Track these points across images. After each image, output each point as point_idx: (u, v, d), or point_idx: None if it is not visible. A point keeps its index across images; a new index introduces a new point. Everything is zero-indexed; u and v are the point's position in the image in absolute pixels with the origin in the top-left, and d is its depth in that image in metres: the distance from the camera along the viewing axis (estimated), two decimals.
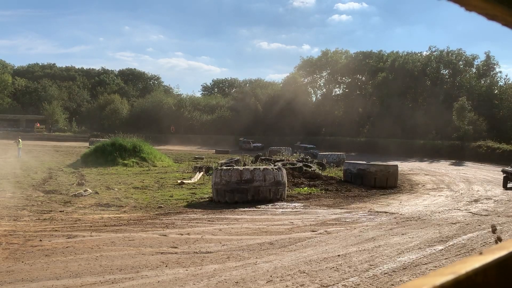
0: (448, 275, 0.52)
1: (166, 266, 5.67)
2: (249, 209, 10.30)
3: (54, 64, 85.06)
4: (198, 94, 79.07)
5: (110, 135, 30.80)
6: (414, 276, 5.39)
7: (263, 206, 10.74)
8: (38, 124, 65.67)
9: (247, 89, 65.10)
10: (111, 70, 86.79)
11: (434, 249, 6.74)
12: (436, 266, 5.86)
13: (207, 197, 12.04)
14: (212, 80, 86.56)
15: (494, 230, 3.42)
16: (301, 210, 10.45)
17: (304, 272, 5.44)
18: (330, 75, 60.65)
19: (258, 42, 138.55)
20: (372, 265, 5.79)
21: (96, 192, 12.69)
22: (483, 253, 0.60)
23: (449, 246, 7.00)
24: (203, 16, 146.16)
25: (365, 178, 15.40)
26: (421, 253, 6.50)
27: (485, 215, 10.03)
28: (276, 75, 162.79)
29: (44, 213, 9.53)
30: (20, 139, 28.15)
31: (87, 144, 42.65)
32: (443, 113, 41.52)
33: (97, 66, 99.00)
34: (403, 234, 7.86)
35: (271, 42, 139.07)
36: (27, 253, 6.17)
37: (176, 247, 6.62)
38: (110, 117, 66.75)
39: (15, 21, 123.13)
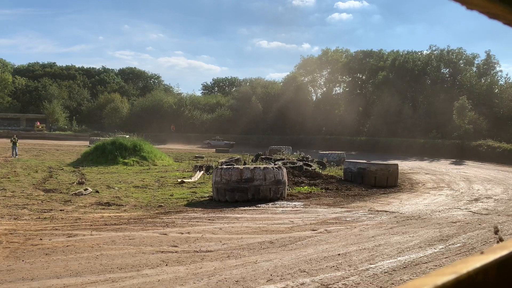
0: (449, 275, 0.52)
1: (167, 265, 5.67)
2: (250, 208, 10.30)
3: (54, 63, 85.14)
4: (198, 93, 79.12)
5: (110, 134, 30.84)
6: (415, 275, 5.39)
7: (263, 205, 10.74)
8: (38, 123, 65.70)
9: (247, 88, 65.05)
10: (111, 69, 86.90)
11: (435, 248, 6.74)
12: (436, 265, 5.86)
13: (208, 196, 12.04)
14: (212, 79, 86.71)
15: (496, 231, 3.43)
16: (301, 209, 10.45)
17: (305, 271, 5.44)
18: (330, 74, 60.60)
19: (258, 41, 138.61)
20: (372, 264, 5.80)
21: (97, 191, 12.69)
22: (485, 253, 0.59)
23: (449, 245, 7.00)
24: (202, 15, 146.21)
25: (366, 177, 15.39)
26: (422, 252, 6.50)
27: (486, 214, 10.03)
28: (276, 74, 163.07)
29: (45, 212, 9.54)
30: (16, 137, 27.58)
31: (87, 143, 42.68)
32: (444, 112, 41.50)
33: (97, 65, 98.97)
34: (403, 233, 7.86)
35: (270, 41, 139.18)
36: (27, 252, 6.17)
37: (176, 246, 6.63)
38: (110, 116, 66.78)
39: (15, 20, 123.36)
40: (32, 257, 5.94)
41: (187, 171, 19.22)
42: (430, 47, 51.04)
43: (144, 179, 16.38)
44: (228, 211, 9.96)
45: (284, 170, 12.15)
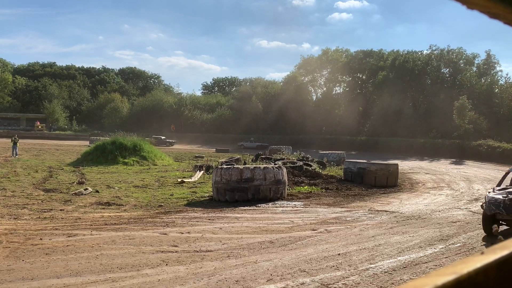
0: (449, 275, 0.52)
1: (167, 264, 5.67)
2: (250, 208, 10.30)
3: (54, 62, 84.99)
4: (199, 93, 78.95)
5: (110, 134, 30.84)
6: (415, 275, 5.39)
7: (263, 205, 10.74)
8: (39, 123, 65.65)
9: (247, 88, 64.99)
10: (111, 69, 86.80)
11: (435, 248, 6.74)
12: (436, 265, 5.86)
13: (208, 196, 12.04)
14: (213, 79, 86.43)
15: (495, 231, 3.42)
16: (302, 209, 10.45)
17: (305, 271, 5.44)
18: (330, 74, 60.54)
19: (258, 41, 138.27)
20: (373, 263, 5.79)
21: (97, 191, 12.69)
22: (485, 253, 0.59)
23: (449, 245, 7.00)
24: (202, 14, 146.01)
25: (366, 177, 15.39)
26: (422, 252, 6.50)
27: None
28: (276, 74, 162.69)
29: (45, 211, 9.53)
30: (17, 137, 27.43)
31: (87, 142, 42.68)
32: (444, 112, 41.49)
33: (97, 65, 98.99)
34: (403, 233, 7.86)
35: (270, 40, 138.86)
36: (27, 252, 6.17)
37: (176, 246, 6.63)
38: (110, 115, 66.76)
39: (15, 20, 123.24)
40: (32, 257, 5.94)
41: (187, 171, 19.22)
42: (430, 47, 50.98)
43: (144, 179, 16.38)
44: (228, 211, 9.96)
45: (284, 170, 12.16)
